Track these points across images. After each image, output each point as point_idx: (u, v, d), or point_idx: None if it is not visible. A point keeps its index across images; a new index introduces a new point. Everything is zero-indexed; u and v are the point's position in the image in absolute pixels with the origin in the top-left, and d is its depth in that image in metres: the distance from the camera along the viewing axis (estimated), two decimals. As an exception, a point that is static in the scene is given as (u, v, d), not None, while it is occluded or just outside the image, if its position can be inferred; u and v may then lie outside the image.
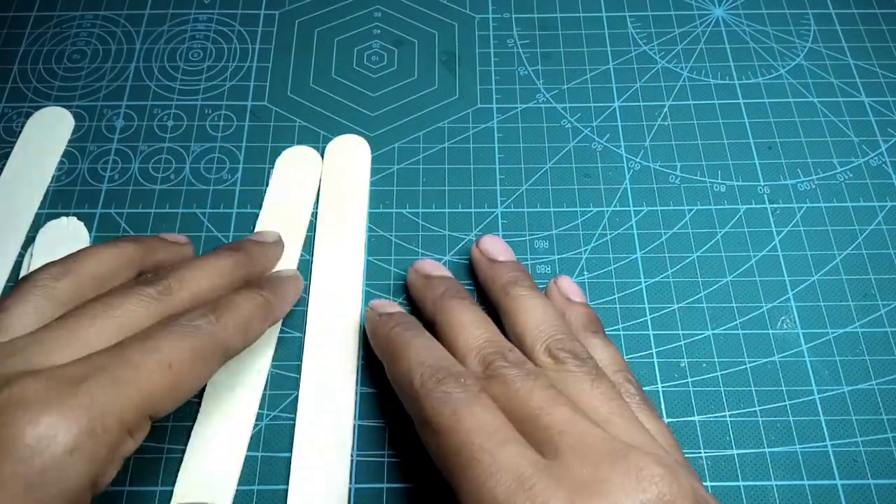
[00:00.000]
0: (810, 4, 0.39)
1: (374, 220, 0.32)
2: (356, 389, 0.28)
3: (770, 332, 0.29)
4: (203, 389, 0.28)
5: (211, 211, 0.32)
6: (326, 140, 0.34)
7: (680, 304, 0.30)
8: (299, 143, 0.34)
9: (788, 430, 0.27)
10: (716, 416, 0.28)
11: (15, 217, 0.32)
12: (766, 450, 0.27)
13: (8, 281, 0.30)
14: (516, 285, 0.27)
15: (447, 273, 0.29)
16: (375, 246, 0.31)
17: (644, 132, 0.35)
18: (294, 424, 0.27)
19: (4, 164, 0.33)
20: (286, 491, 0.26)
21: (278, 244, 0.30)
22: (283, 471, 0.26)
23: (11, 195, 0.32)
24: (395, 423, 0.27)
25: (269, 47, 0.38)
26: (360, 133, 0.35)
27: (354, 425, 0.27)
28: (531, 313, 0.26)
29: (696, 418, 0.28)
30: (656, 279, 0.30)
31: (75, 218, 0.32)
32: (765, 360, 0.29)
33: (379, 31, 0.38)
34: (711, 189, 0.33)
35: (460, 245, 0.31)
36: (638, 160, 0.34)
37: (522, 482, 0.18)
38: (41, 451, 0.17)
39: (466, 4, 0.39)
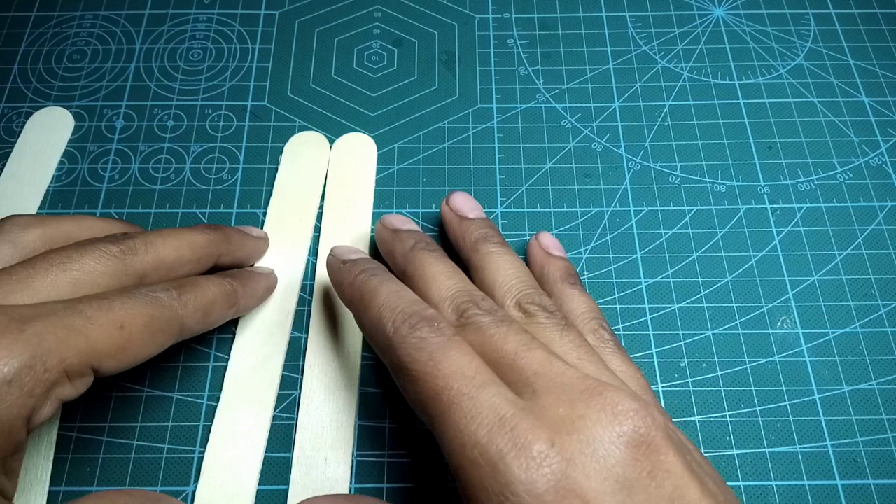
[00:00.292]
0: (810, 4, 0.39)
1: (375, 220, 0.32)
2: (358, 389, 0.28)
3: (770, 332, 0.29)
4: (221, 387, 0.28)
5: (211, 211, 0.32)
6: (326, 140, 0.34)
7: (680, 305, 0.30)
8: (299, 143, 0.34)
9: (788, 430, 0.27)
10: (716, 416, 0.28)
11: (15, 217, 0.32)
12: (766, 450, 0.27)
13: (8, 281, 0.30)
14: (486, 241, 0.27)
15: (416, 227, 0.29)
16: (376, 246, 0.31)
17: (644, 132, 0.35)
18: (294, 424, 0.27)
19: (4, 164, 0.33)
20: (286, 491, 0.26)
21: (262, 240, 0.30)
22: (283, 471, 0.26)
23: (11, 195, 0.32)
24: (396, 422, 0.27)
25: (269, 47, 0.38)
26: (359, 133, 0.35)
27: (356, 425, 0.27)
28: (501, 269, 0.26)
29: (696, 418, 0.28)
30: (656, 279, 0.30)
31: (75, 218, 0.32)
32: (765, 360, 0.29)
33: (379, 31, 0.38)
34: (711, 189, 0.33)
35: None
36: (638, 160, 0.34)
37: (503, 423, 0.18)
38: None
39: (466, 4, 0.39)
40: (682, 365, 0.29)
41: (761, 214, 0.32)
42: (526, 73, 0.37)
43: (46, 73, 0.36)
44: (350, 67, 0.37)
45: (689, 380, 0.28)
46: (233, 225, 0.31)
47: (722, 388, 0.28)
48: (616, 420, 0.19)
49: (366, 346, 0.28)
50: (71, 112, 0.35)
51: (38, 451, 0.26)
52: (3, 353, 0.18)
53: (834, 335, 0.29)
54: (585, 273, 0.31)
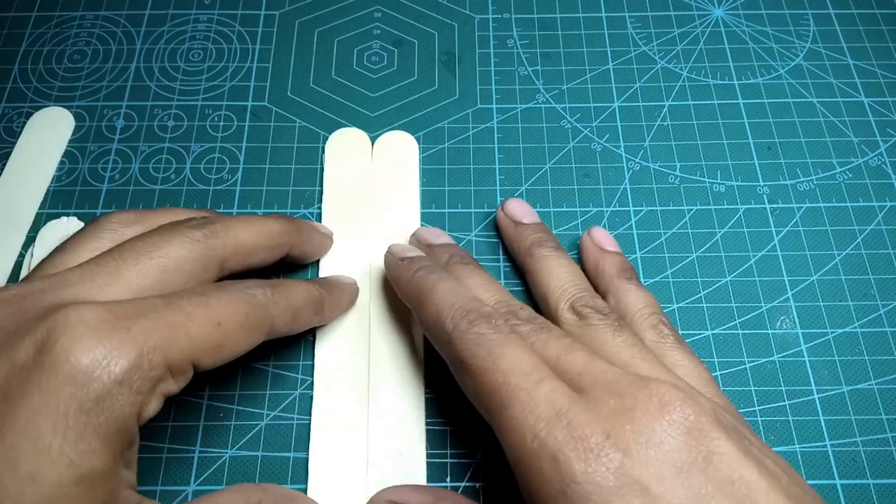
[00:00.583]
0: (810, 5, 0.39)
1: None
2: (424, 384, 0.28)
3: (769, 332, 0.29)
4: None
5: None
6: (327, 140, 0.34)
7: (679, 304, 0.30)
8: (300, 143, 0.34)
9: (788, 429, 0.27)
10: (715, 416, 0.28)
11: (15, 217, 0.32)
12: (766, 449, 0.27)
13: (8, 281, 0.30)
14: (540, 246, 0.28)
15: (450, 239, 0.29)
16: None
17: (644, 132, 0.35)
18: (366, 420, 0.27)
19: (5, 164, 0.33)
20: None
21: (328, 237, 0.30)
22: (283, 470, 0.26)
23: (12, 195, 0.32)
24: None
25: (269, 48, 0.38)
26: (360, 133, 0.35)
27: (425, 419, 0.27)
28: (554, 273, 0.27)
29: (696, 418, 0.28)
30: (656, 279, 0.31)
31: (76, 218, 0.32)
32: (764, 359, 0.29)
33: (379, 32, 0.38)
34: (711, 189, 0.33)
35: (460, 245, 0.31)
36: (637, 160, 0.34)
37: (560, 416, 0.19)
38: (95, 377, 0.18)
39: (466, 4, 0.39)
40: (682, 365, 0.29)
41: (761, 214, 0.32)
42: (526, 73, 0.37)
43: (47, 74, 0.37)
44: (350, 68, 0.37)
45: (689, 379, 0.28)
46: None
47: (721, 388, 0.28)
48: (664, 410, 0.19)
49: (427, 341, 0.28)
50: (71, 112, 0.35)
51: None
52: (113, 354, 0.18)
53: (833, 335, 0.29)
54: (585, 273, 0.31)
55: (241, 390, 0.28)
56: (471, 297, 0.24)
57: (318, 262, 0.31)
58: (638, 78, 0.36)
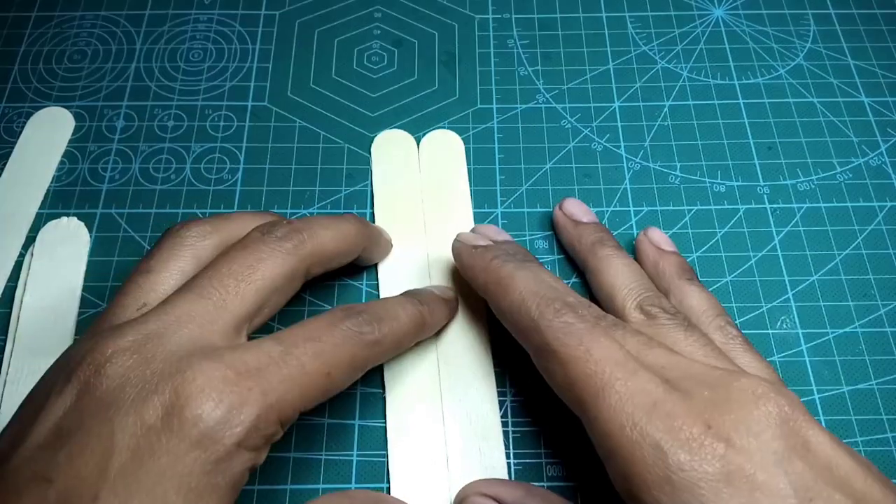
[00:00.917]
0: (810, 5, 0.39)
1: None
2: (494, 379, 0.28)
3: (770, 331, 0.29)
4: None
5: (211, 211, 0.32)
6: (327, 140, 0.34)
7: (680, 304, 0.30)
8: (300, 143, 0.34)
9: (788, 429, 0.27)
10: (716, 416, 0.28)
11: (15, 217, 0.32)
12: (766, 449, 0.27)
13: (8, 281, 0.30)
14: (602, 245, 0.28)
15: (509, 237, 0.29)
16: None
17: (644, 132, 0.35)
18: (441, 418, 0.27)
19: (5, 165, 0.33)
20: (287, 490, 0.26)
21: (389, 242, 0.31)
22: (283, 471, 0.26)
23: (12, 195, 0.32)
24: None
25: (269, 48, 0.38)
26: (359, 133, 0.35)
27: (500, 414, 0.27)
28: (620, 272, 0.27)
29: (696, 418, 0.28)
30: (656, 279, 0.30)
31: (76, 218, 0.32)
32: (765, 359, 0.29)
33: (379, 32, 0.38)
34: (711, 189, 0.33)
35: (460, 245, 0.32)
36: (638, 160, 0.34)
37: (657, 406, 0.20)
38: (218, 439, 0.18)
39: (466, 5, 0.39)
40: (682, 365, 0.29)
41: (761, 214, 0.32)
42: (526, 73, 0.37)
43: (47, 74, 0.37)
44: (350, 68, 0.37)
45: (689, 380, 0.28)
46: None
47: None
48: (759, 401, 0.20)
49: (493, 337, 0.28)
50: (71, 112, 0.35)
51: None
52: (235, 416, 0.19)
53: (833, 335, 0.29)
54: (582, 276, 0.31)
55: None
56: (553, 286, 0.24)
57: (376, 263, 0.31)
58: (638, 78, 0.36)
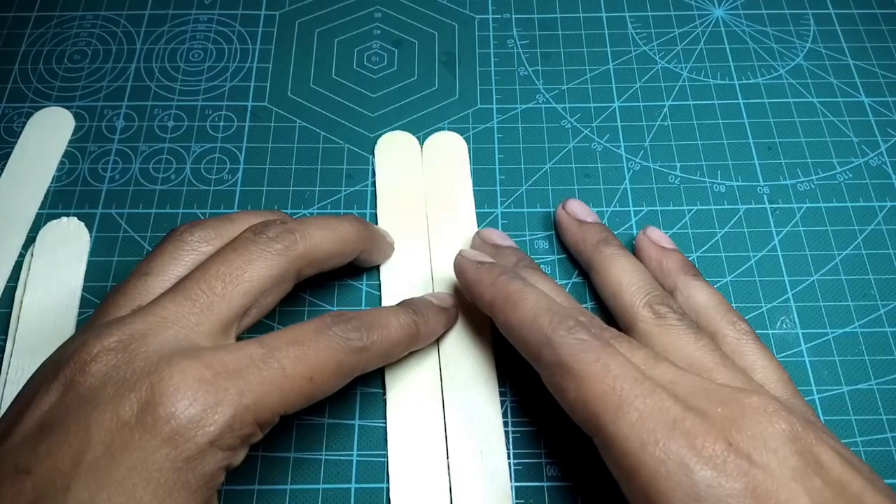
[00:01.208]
0: (810, 5, 0.39)
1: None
2: (497, 383, 0.28)
3: (770, 332, 0.29)
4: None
5: (211, 211, 0.32)
6: (327, 140, 0.34)
7: (680, 304, 0.30)
8: (299, 143, 0.34)
9: (788, 429, 0.27)
10: (715, 416, 0.28)
11: (15, 217, 0.32)
12: (766, 449, 0.27)
13: (8, 281, 0.30)
14: (608, 244, 0.29)
15: (513, 243, 0.29)
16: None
17: (644, 132, 0.35)
18: (443, 422, 0.27)
19: (5, 165, 0.33)
20: (286, 490, 0.26)
21: (391, 245, 0.31)
22: (283, 471, 0.26)
23: (12, 195, 0.32)
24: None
25: (269, 48, 0.38)
26: (359, 133, 0.35)
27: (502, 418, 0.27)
28: (626, 270, 0.27)
29: (696, 418, 0.28)
30: (656, 279, 0.30)
31: (76, 218, 0.32)
32: (764, 360, 0.29)
33: (379, 32, 0.38)
34: (711, 189, 0.33)
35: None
36: (638, 160, 0.34)
37: (676, 423, 0.20)
38: (190, 438, 0.19)
39: (466, 5, 0.39)
40: (682, 365, 0.29)
41: (761, 214, 0.32)
42: (526, 73, 0.37)
43: (47, 74, 0.37)
44: (350, 68, 0.37)
45: (689, 380, 0.28)
46: None
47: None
48: (771, 419, 0.20)
49: (496, 339, 0.28)
50: (71, 112, 0.35)
51: None
52: (208, 415, 0.19)
53: (833, 335, 0.29)
54: (583, 274, 0.31)
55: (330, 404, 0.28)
56: (563, 304, 0.24)
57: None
58: (638, 78, 0.36)
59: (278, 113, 0.35)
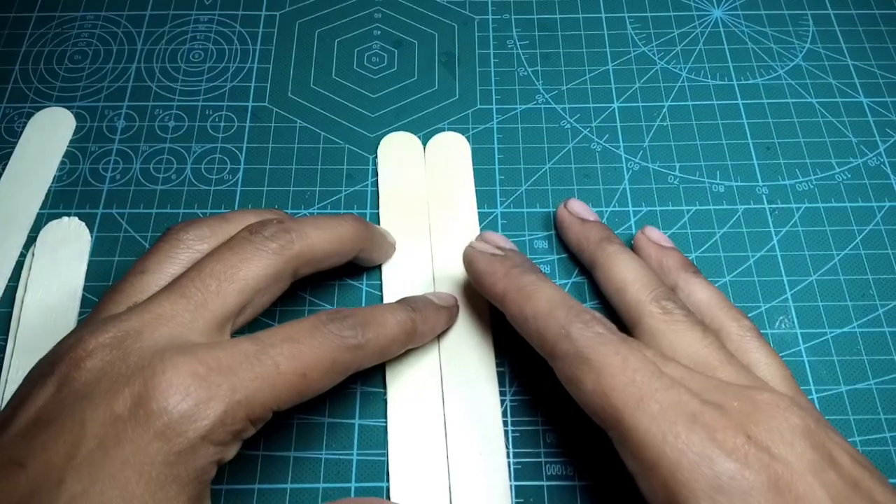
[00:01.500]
0: (809, 5, 0.39)
1: (375, 221, 0.32)
2: (497, 382, 0.28)
3: (768, 331, 0.29)
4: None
5: (212, 211, 0.32)
6: (327, 141, 0.34)
7: (679, 304, 0.30)
8: (300, 143, 0.34)
9: (787, 429, 0.27)
10: (714, 416, 0.28)
11: (16, 217, 0.32)
12: (765, 449, 0.27)
13: (9, 281, 0.30)
14: (610, 242, 0.29)
15: (514, 246, 0.29)
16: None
17: (643, 133, 0.35)
18: (443, 420, 0.27)
19: (6, 165, 0.33)
20: (287, 490, 0.26)
21: (392, 244, 0.31)
22: (283, 470, 0.26)
23: (13, 195, 0.32)
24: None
25: (269, 48, 0.38)
26: (360, 134, 0.35)
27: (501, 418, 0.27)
28: (631, 267, 0.27)
29: (695, 418, 0.28)
30: (655, 279, 0.31)
31: (76, 218, 0.32)
32: (763, 359, 0.29)
33: (379, 32, 0.38)
34: (710, 189, 0.33)
35: (460, 245, 0.32)
36: (637, 160, 0.34)
37: (696, 416, 0.20)
38: (182, 432, 0.19)
39: (466, 5, 0.39)
40: (681, 364, 0.29)
41: (760, 215, 0.32)
42: (525, 73, 0.37)
43: (48, 74, 0.37)
44: (350, 68, 0.37)
45: (688, 379, 0.28)
46: None
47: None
48: (785, 414, 0.20)
49: (496, 338, 0.29)
50: (72, 112, 0.35)
51: None
52: (201, 410, 0.19)
53: (832, 335, 0.29)
54: (585, 273, 0.31)
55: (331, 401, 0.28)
56: (575, 301, 0.24)
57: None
58: (637, 78, 0.37)
59: (279, 113, 0.35)
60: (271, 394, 0.21)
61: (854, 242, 0.32)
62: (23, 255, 0.31)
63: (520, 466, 0.27)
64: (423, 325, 0.26)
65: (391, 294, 0.30)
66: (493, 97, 0.36)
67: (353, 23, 0.39)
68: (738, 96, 0.36)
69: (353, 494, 0.26)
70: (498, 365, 0.28)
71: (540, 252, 0.31)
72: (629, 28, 0.38)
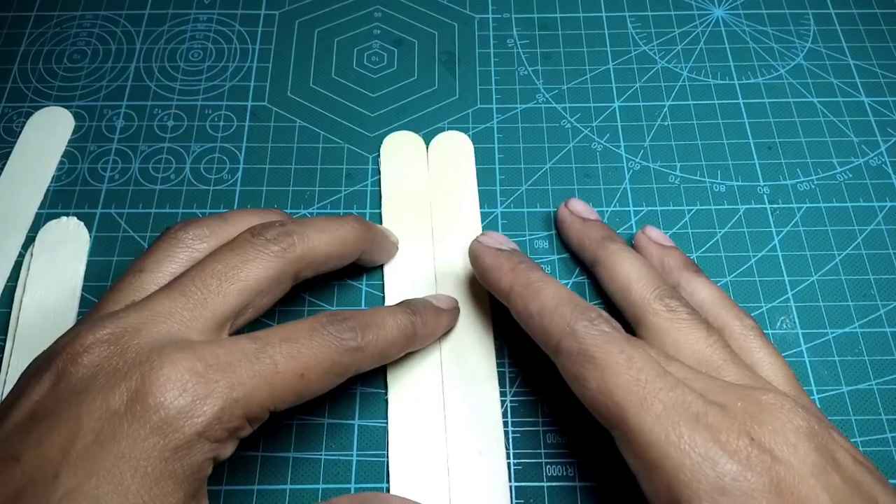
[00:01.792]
0: (810, 4, 0.39)
1: (375, 220, 0.32)
2: (497, 383, 0.28)
3: (770, 332, 0.29)
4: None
5: (211, 211, 0.32)
6: (327, 140, 0.34)
7: (680, 304, 0.30)
8: (299, 143, 0.34)
9: (788, 429, 0.27)
10: (715, 416, 0.28)
11: (15, 217, 0.32)
12: (766, 450, 0.27)
13: (8, 281, 0.30)
14: (612, 241, 0.29)
15: (516, 246, 0.29)
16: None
17: (644, 132, 0.35)
18: (443, 420, 0.27)
19: (4, 164, 0.33)
20: (286, 490, 0.26)
21: (395, 245, 0.31)
22: (282, 470, 0.26)
23: (11, 195, 0.32)
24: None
25: (269, 48, 0.38)
26: (359, 133, 0.35)
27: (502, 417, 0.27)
28: (634, 265, 0.27)
29: (696, 418, 0.28)
30: (656, 279, 0.30)
31: (75, 218, 0.32)
32: (764, 360, 0.29)
33: (379, 32, 0.38)
34: (711, 189, 0.33)
35: (460, 245, 0.31)
36: (638, 160, 0.34)
37: (699, 417, 0.20)
38: (178, 428, 0.19)
39: (466, 4, 0.39)
40: (682, 365, 0.29)
41: (761, 214, 0.32)
42: (526, 73, 0.37)
43: (46, 73, 0.37)
44: (350, 68, 0.37)
45: (689, 380, 0.28)
46: None
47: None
48: (789, 416, 0.20)
49: (497, 339, 0.29)
50: (71, 112, 0.35)
51: None
52: (197, 406, 0.19)
53: (833, 335, 0.29)
54: (585, 273, 0.31)
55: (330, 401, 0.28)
56: (581, 299, 0.24)
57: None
58: (638, 78, 0.36)
59: (278, 113, 0.35)
60: (269, 393, 0.21)
61: (855, 242, 0.31)
62: (21, 255, 0.31)
63: (520, 467, 0.26)
64: (423, 328, 0.26)
65: (393, 294, 0.30)
66: (494, 96, 0.36)
67: (353, 22, 0.39)
68: (739, 96, 0.36)
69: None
70: (498, 366, 0.28)
71: (540, 252, 0.31)
72: (630, 27, 0.38)
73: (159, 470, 0.18)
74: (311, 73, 0.37)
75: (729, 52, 0.37)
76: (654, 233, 0.30)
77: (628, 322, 0.26)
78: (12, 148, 0.34)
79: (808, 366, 0.29)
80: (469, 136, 0.34)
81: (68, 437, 0.18)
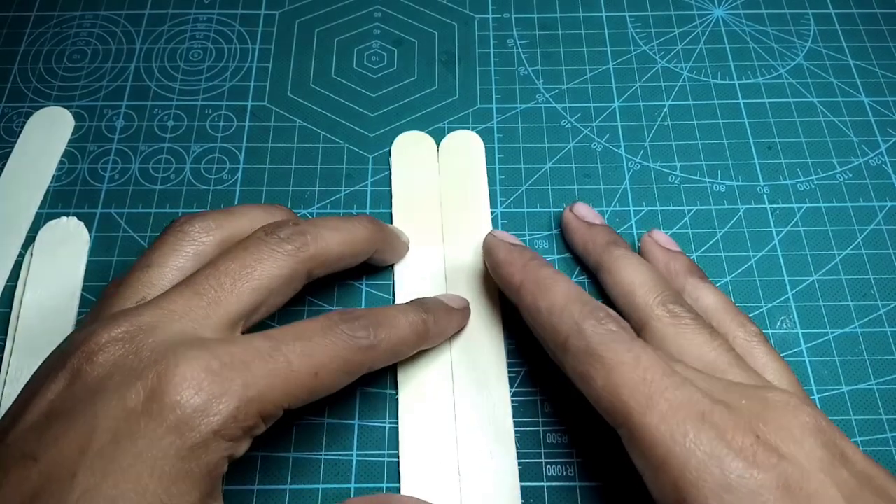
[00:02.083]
0: (810, 4, 0.39)
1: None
2: (508, 384, 0.28)
3: (769, 331, 0.29)
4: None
5: (211, 211, 0.32)
6: (327, 140, 0.34)
7: (680, 304, 0.30)
8: (299, 142, 0.34)
9: (788, 429, 0.27)
10: (715, 416, 0.28)
11: (15, 217, 0.32)
12: (766, 449, 0.27)
13: (8, 281, 0.30)
14: (617, 246, 0.29)
15: (522, 244, 0.29)
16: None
17: (644, 132, 0.35)
18: (454, 421, 0.27)
19: (4, 164, 0.33)
20: (286, 490, 0.26)
21: (406, 244, 0.31)
22: (283, 470, 0.26)
23: (11, 195, 0.32)
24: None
25: (269, 47, 0.38)
26: (359, 133, 0.35)
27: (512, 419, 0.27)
28: (639, 270, 0.27)
29: (696, 418, 0.28)
30: (656, 279, 0.30)
31: (75, 218, 0.32)
32: (764, 359, 0.29)
33: (379, 32, 0.38)
34: (711, 189, 0.33)
35: (460, 245, 0.31)
36: (638, 160, 0.34)
37: (705, 416, 0.20)
38: (194, 426, 0.19)
39: (466, 4, 0.39)
40: (682, 365, 0.29)
41: (761, 214, 0.32)
42: (526, 73, 0.37)
43: (46, 73, 0.37)
44: (350, 67, 0.37)
45: (689, 380, 0.28)
46: None
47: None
48: (795, 412, 0.20)
49: (507, 339, 0.29)
50: (71, 112, 0.35)
51: None
52: (213, 405, 0.19)
53: (833, 335, 0.29)
54: (585, 273, 0.31)
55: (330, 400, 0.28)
56: (591, 297, 0.24)
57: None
58: (638, 78, 0.36)
59: (278, 112, 0.35)
60: (283, 391, 0.21)
61: (855, 242, 0.31)
62: (22, 255, 0.31)
63: (521, 467, 0.26)
64: (434, 326, 0.26)
65: (403, 293, 0.30)
66: (494, 96, 0.36)
67: (353, 22, 0.39)
68: (739, 95, 0.36)
69: (352, 495, 0.26)
70: (509, 366, 0.28)
71: (540, 251, 0.31)
72: (630, 27, 0.38)
73: (176, 469, 0.18)
74: (311, 73, 0.37)
75: (729, 52, 0.37)
76: (660, 237, 0.30)
77: (634, 328, 0.26)
78: (12, 148, 0.34)
79: (808, 366, 0.29)
80: (469, 135, 0.34)
81: (85, 436, 0.18)
